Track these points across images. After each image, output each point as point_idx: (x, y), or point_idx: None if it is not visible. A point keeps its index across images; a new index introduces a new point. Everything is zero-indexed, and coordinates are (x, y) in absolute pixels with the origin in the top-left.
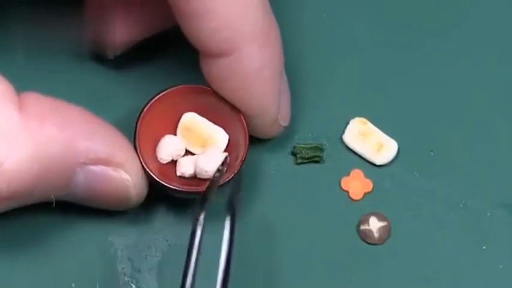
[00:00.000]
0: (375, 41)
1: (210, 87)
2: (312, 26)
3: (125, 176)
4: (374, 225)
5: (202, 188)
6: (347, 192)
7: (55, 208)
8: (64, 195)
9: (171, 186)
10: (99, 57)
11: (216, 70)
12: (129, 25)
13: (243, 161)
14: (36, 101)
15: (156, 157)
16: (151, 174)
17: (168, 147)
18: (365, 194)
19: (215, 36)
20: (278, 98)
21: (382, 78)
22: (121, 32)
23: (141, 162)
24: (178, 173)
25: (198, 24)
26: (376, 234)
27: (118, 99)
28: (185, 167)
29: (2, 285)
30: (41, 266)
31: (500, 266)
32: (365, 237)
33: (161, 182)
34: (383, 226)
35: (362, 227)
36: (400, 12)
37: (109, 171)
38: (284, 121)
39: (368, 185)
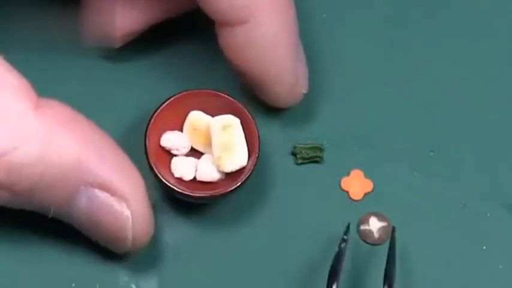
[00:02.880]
0: (375, 41)
1: (220, 91)
2: (312, 26)
3: (126, 212)
4: (374, 225)
5: (222, 190)
6: (347, 192)
7: None
8: (63, 213)
9: (187, 193)
10: (100, 50)
11: (233, 39)
12: (130, 15)
13: (255, 163)
14: (57, 108)
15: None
16: (167, 182)
17: (173, 143)
18: (365, 194)
19: (231, 3)
20: (296, 64)
21: (383, 77)
22: (122, 22)
23: (154, 173)
24: (176, 175)
25: None
26: (376, 235)
27: (120, 96)
28: (184, 171)
29: (1, 285)
30: (41, 266)
31: (500, 266)
32: (365, 237)
33: (177, 189)
34: (383, 226)
35: (362, 227)
36: (401, 12)
37: (113, 201)
38: (303, 88)
39: (368, 185)
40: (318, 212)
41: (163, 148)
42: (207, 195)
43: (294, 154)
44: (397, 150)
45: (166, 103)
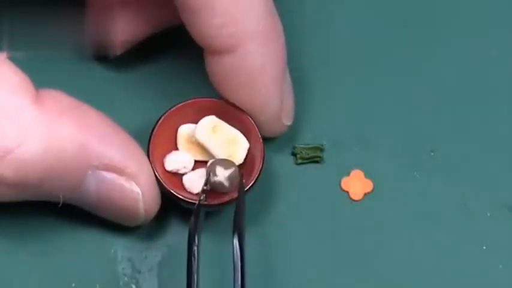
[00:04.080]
0: (375, 41)
1: (222, 98)
2: (312, 25)
3: (135, 189)
4: (222, 174)
5: (222, 199)
6: (347, 192)
7: (55, 209)
8: (73, 198)
9: (190, 201)
10: (100, 57)
11: (219, 68)
12: (129, 24)
13: (259, 173)
14: (55, 97)
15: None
16: (168, 188)
17: (177, 164)
18: (365, 194)
19: (219, 32)
20: (280, 96)
21: (383, 77)
22: (122, 31)
23: (156, 176)
24: (196, 191)
25: (202, 20)
26: (226, 183)
27: (120, 100)
28: (195, 183)
29: (2, 285)
30: (42, 266)
31: (500, 266)
32: (217, 189)
33: (180, 196)
34: (231, 173)
35: (212, 180)
36: (401, 12)
37: (121, 180)
38: (287, 120)
39: (368, 185)
40: (318, 212)
41: (170, 172)
42: (229, 199)
43: (294, 154)
44: (397, 150)
45: (156, 127)
